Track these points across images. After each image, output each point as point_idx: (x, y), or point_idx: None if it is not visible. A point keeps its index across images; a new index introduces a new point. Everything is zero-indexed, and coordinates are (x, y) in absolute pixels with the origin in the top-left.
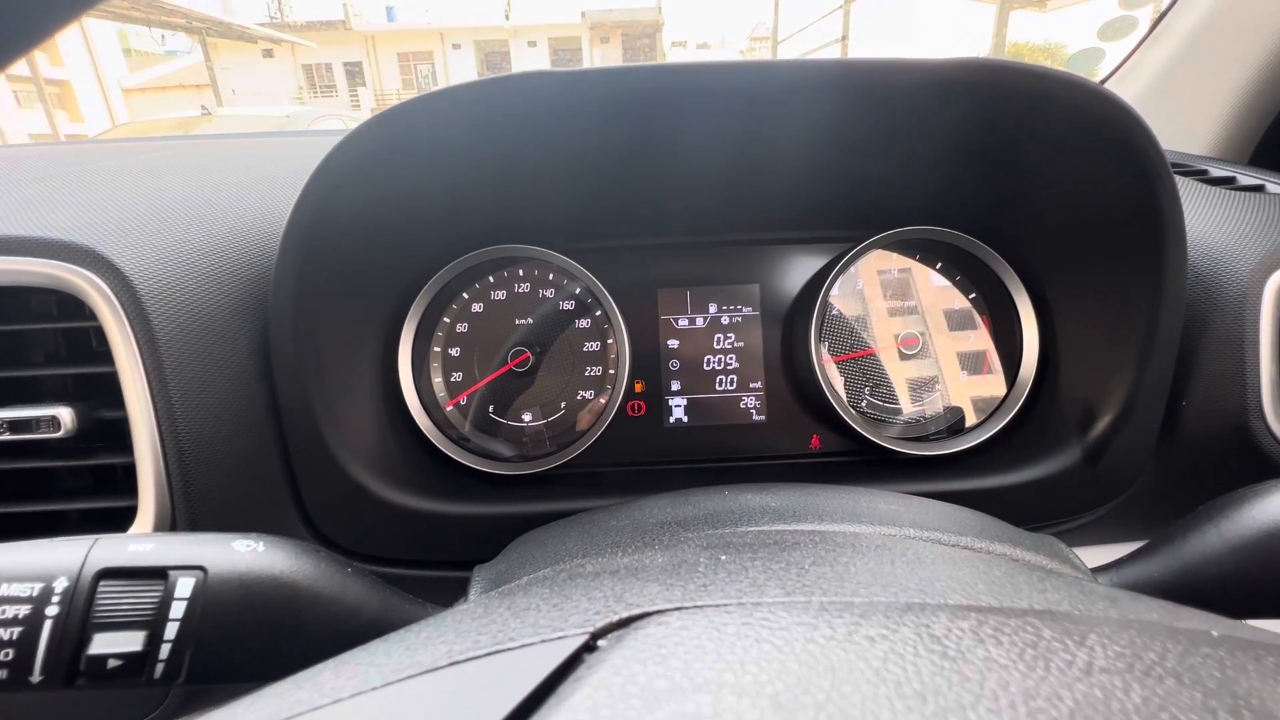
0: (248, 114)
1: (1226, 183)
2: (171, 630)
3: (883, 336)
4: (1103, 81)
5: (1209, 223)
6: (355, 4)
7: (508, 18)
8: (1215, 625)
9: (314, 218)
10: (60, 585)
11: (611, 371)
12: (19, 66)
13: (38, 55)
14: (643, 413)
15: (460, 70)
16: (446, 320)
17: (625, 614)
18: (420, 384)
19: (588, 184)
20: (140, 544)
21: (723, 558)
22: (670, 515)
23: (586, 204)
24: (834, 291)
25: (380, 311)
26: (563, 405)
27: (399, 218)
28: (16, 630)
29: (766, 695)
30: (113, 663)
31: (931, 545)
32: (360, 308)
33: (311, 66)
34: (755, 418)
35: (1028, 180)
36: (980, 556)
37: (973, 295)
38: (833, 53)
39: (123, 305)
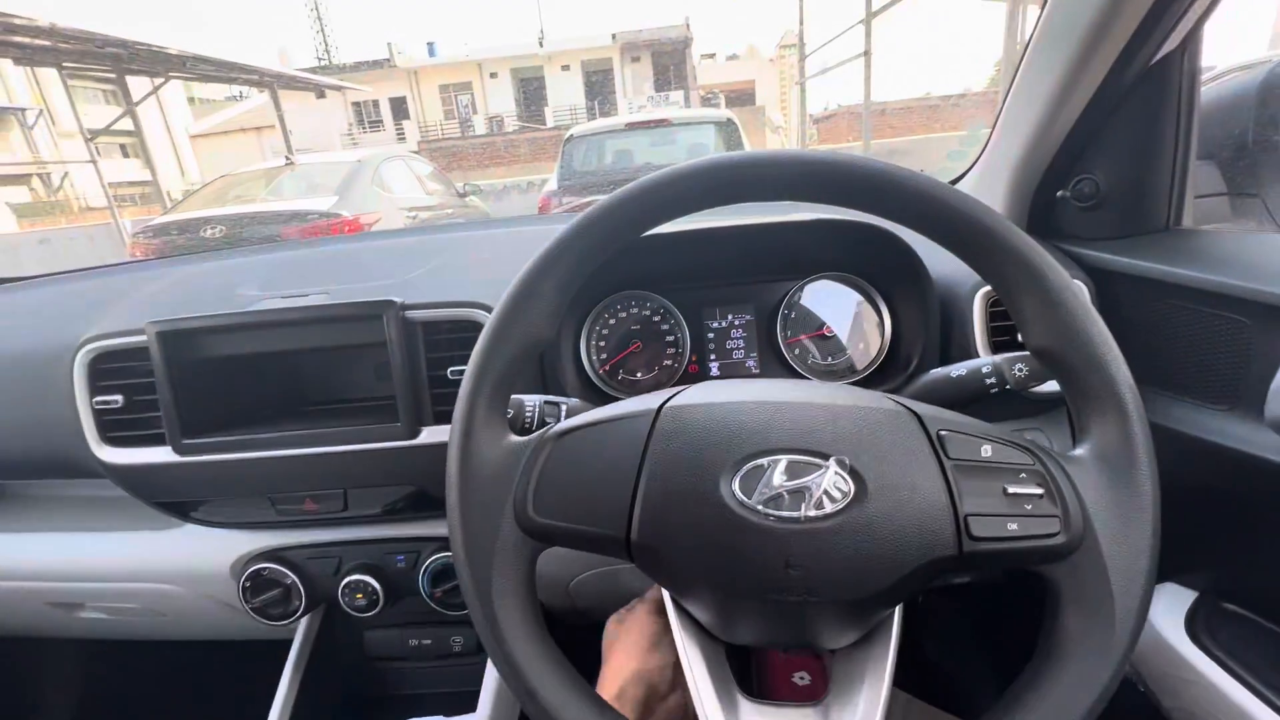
0: (321, 161)
1: None
2: None
3: (815, 327)
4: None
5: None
6: (398, 42)
7: (541, 45)
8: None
9: None
10: None
11: (679, 351)
12: (123, 121)
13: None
14: (695, 372)
15: (497, 97)
16: (598, 327)
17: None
18: (592, 364)
19: (677, 263)
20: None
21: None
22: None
23: (673, 270)
24: (790, 304)
25: (571, 327)
26: (656, 368)
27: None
28: None
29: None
30: None
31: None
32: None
33: (360, 104)
34: (754, 371)
35: (874, 250)
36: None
37: (861, 302)
38: (856, 67)
39: None
